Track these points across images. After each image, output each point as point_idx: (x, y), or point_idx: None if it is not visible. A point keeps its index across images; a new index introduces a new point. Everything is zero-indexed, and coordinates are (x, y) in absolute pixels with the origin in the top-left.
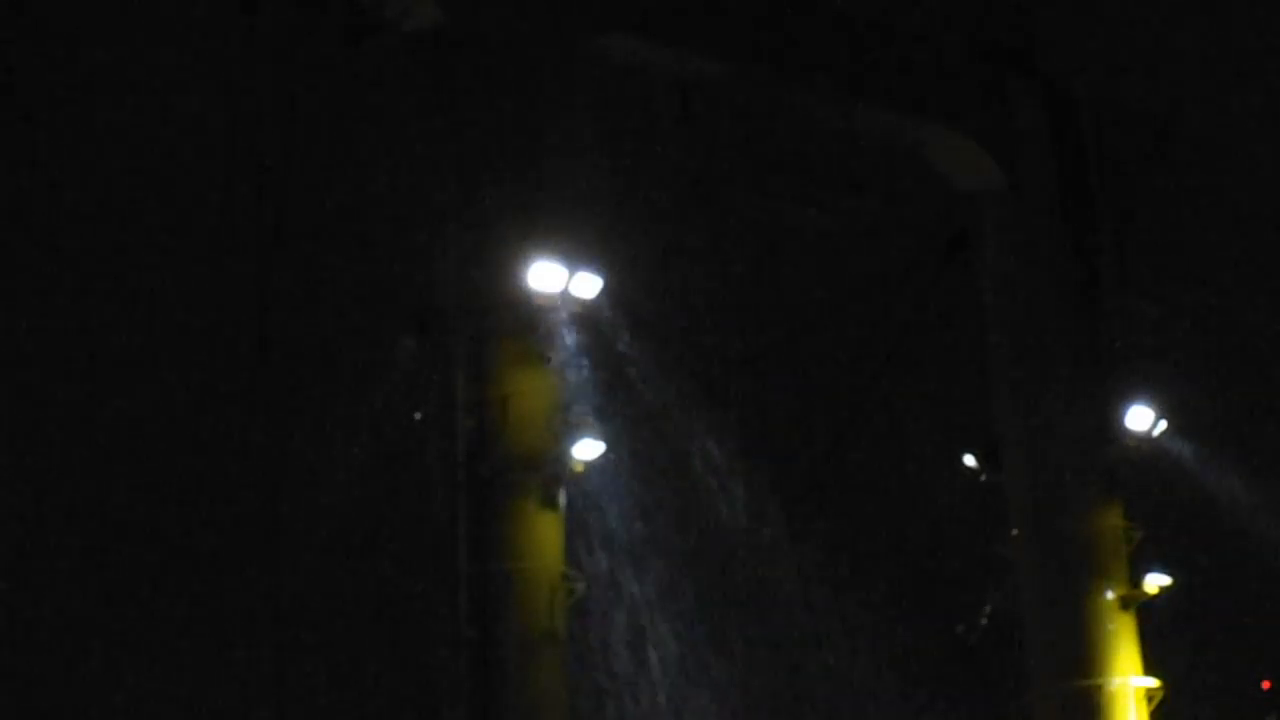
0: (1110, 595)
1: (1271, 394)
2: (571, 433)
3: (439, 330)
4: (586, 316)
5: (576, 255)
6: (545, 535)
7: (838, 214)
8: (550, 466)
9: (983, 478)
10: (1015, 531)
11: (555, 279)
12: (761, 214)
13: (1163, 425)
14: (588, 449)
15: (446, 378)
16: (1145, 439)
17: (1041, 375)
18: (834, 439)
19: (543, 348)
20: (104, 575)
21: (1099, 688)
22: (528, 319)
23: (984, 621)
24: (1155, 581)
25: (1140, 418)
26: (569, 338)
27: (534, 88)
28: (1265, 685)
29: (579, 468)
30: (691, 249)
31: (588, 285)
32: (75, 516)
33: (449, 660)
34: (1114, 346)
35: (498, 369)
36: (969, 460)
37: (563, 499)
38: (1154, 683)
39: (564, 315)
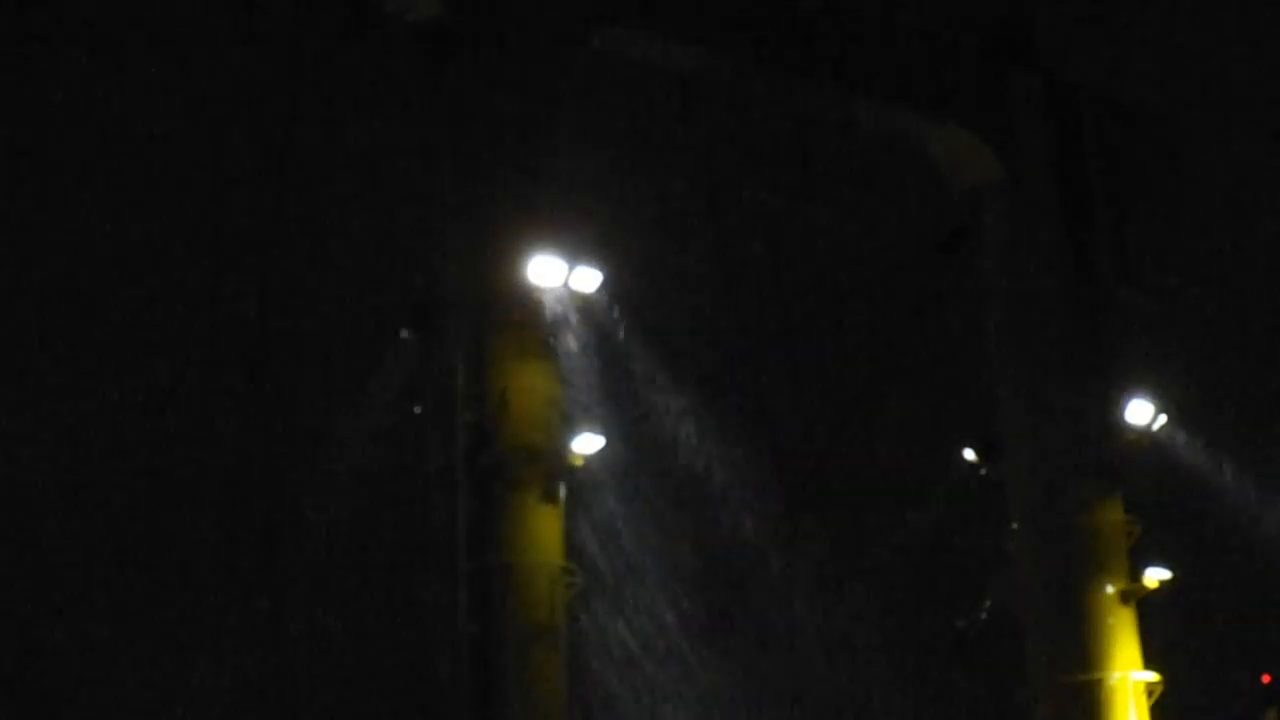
0: (1110, 589)
1: (1271, 388)
2: (571, 427)
3: (439, 324)
4: (586, 310)
5: (576, 249)
6: (545, 529)
7: (838, 209)
8: (550, 460)
9: (982, 472)
10: (1015, 526)
11: (555, 273)
12: (761, 209)
13: (1162, 419)
14: (587, 443)
15: (446, 371)
16: (1145, 433)
17: (1041, 370)
18: (834, 433)
19: (544, 336)
20: (103, 572)
21: (1099, 681)
22: (528, 313)
23: (984, 615)
24: (1155, 576)
25: (1140, 412)
26: (569, 331)
27: (535, 81)
28: (1265, 679)
29: (579, 461)
30: (691, 243)
31: (588, 279)
32: (74, 514)
33: (449, 654)
34: (1114, 341)
35: (497, 363)
36: (969, 454)
37: (562, 493)
38: (1154, 676)
39: (564, 309)
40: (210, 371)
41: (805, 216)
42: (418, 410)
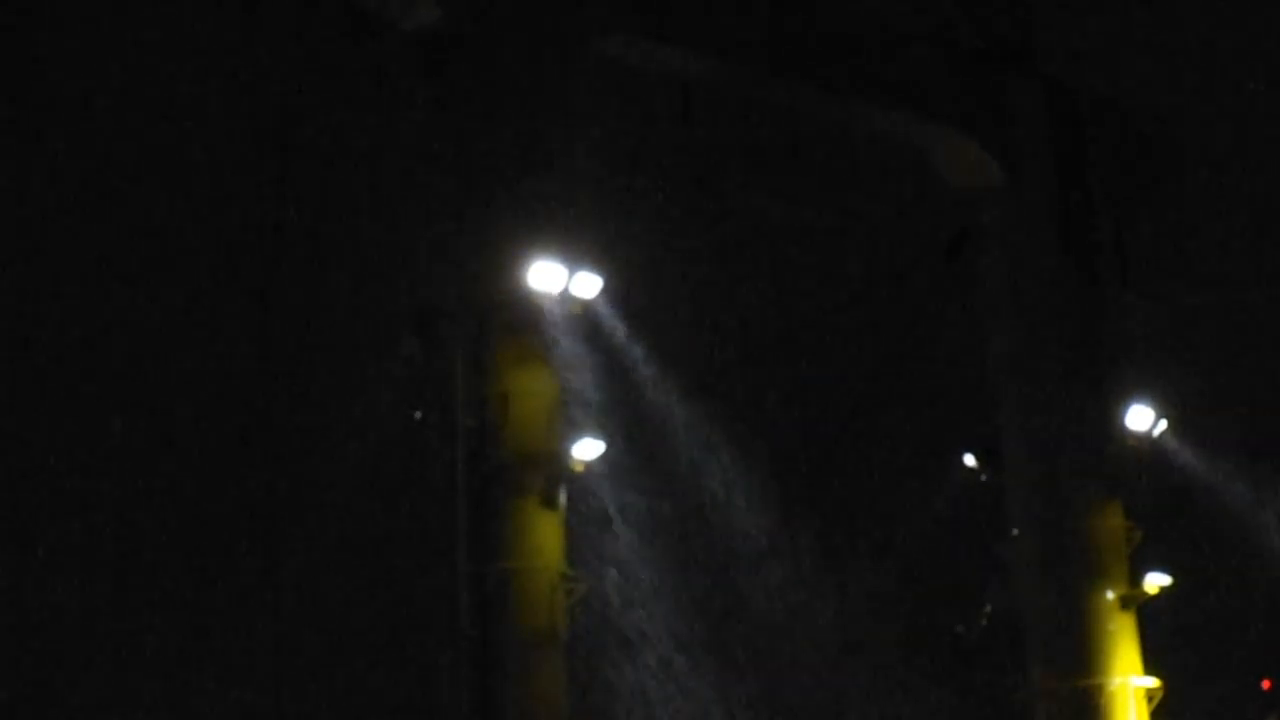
0: (1110, 595)
1: (1272, 393)
2: (571, 432)
3: (439, 329)
4: (586, 316)
5: (576, 255)
6: (545, 534)
7: (838, 214)
8: (550, 465)
9: (983, 477)
10: (1015, 531)
11: (555, 278)
12: (761, 214)
13: (1163, 425)
14: (588, 448)
15: (447, 377)
16: (1145, 438)
17: (1041, 375)
18: (833, 438)
19: (544, 342)
20: (104, 573)
21: (1099, 687)
22: (528, 318)
23: (984, 621)
24: (1155, 581)
25: (1140, 417)
26: (569, 337)
27: (534, 87)
28: (1265, 685)
29: (579, 467)
30: (691, 249)
31: (588, 285)
32: (76, 515)
33: (449, 660)
34: (1114, 346)
35: (498, 368)
36: (969, 460)
37: (563, 498)
38: (1154, 682)
39: (564, 314)
40: (211, 376)
41: (805, 222)
42: (418, 416)
